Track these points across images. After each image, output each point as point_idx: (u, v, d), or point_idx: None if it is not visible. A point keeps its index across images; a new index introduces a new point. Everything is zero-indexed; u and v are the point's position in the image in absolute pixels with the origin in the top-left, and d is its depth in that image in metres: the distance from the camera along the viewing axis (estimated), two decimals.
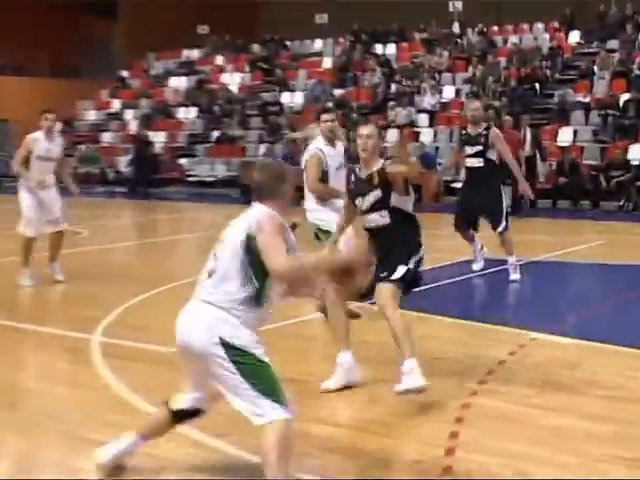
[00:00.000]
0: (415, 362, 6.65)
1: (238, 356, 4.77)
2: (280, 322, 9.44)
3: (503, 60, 29.17)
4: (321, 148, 8.88)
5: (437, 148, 26.11)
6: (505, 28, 32.33)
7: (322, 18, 35.21)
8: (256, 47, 36.01)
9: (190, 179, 29.82)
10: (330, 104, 28.78)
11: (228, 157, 29.36)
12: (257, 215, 4.96)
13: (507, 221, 11.64)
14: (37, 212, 11.44)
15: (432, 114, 27.93)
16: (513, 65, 28.49)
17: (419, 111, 28.02)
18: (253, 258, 4.83)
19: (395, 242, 6.94)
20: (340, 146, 9.09)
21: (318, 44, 35.17)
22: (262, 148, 28.26)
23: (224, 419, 6.18)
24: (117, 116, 35.36)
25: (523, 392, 6.82)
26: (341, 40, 34.32)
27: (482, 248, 12.25)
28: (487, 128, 11.66)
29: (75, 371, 6.32)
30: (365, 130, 7.05)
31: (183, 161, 30.70)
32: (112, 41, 42.18)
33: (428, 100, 28.36)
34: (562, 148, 23.95)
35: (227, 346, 4.77)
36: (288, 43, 36.08)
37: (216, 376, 4.87)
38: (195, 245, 16.49)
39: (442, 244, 14.17)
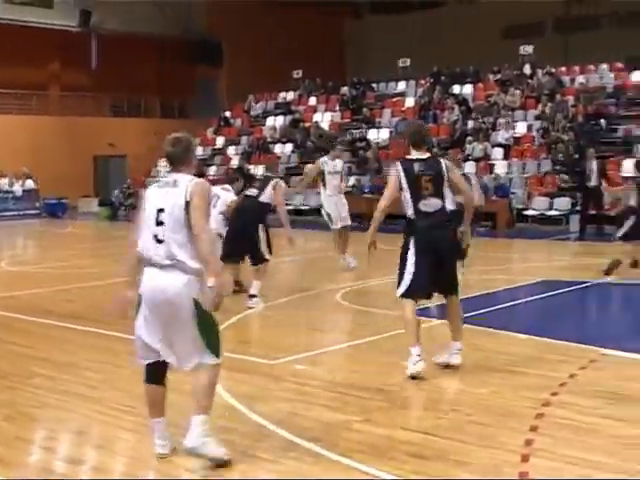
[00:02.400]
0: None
1: None
2: (368, 337, 9.44)
3: (571, 98, 28.76)
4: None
5: (511, 180, 25.88)
6: (572, 69, 31.88)
7: (405, 62, 35.32)
8: (345, 89, 36.11)
9: (286, 207, 29.93)
10: None
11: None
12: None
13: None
14: None
15: (506, 148, 27.70)
16: (580, 102, 28.08)
17: (494, 145, 27.81)
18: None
19: None
20: None
21: (401, 85, 35.15)
22: (352, 180, 28.25)
23: (319, 425, 6.21)
24: (221, 151, 35.82)
25: (594, 404, 6.65)
26: (422, 81, 34.26)
27: None
28: None
29: (183, 380, 6.33)
30: None
31: None
32: (216, 85, 42.85)
33: (502, 135, 28.15)
34: (626, 178, 23.44)
35: None
36: (374, 85, 36.12)
37: None
38: (290, 267, 16.55)
39: (516, 267, 13.99)
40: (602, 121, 26.89)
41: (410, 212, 7.44)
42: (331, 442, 5.79)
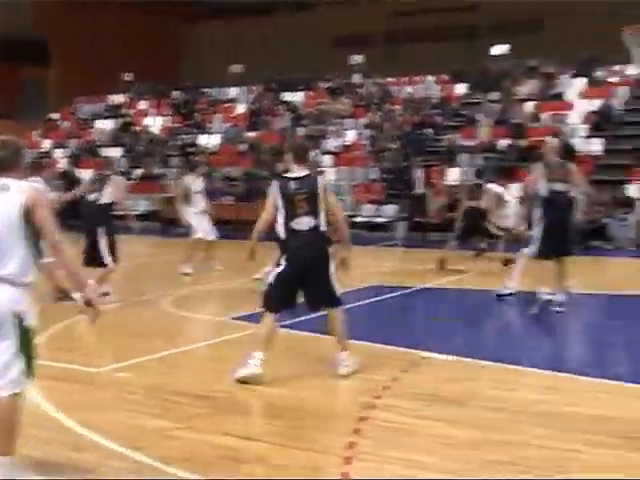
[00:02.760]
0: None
1: None
2: (195, 344, 9.42)
3: (399, 108, 29.56)
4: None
5: (340, 187, 26.28)
6: (400, 79, 32.80)
7: (237, 68, 35.35)
8: (177, 93, 35.85)
9: (115, 213, 29.39)
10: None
11: (150, 193, 29.10)
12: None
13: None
14: None
15: (336, 155, 28.16)
16: (407, 112, 28.88)
17: (324, 153, 28.20)
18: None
19: None
20: None
21: (233, 91, 35.19)
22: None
23: (142, 433, 6.13)
24: (47, 155, 34.80)
25: (415, 405, 6.85)
26: (254, 88, 34.43)
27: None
28: None
29: None
30: None
31: None
32: (44, 86, 41.65)
33: (332, 143, 28.59)
34: (450, 186, 24.31)
35: None
36: (206, 90, 36.01)
37: None
38: (120, 272, 16.23)
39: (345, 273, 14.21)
40: (428, 131, 27.77)
41: (283, 230, 7.62)
42: (153, 450, 5.72)
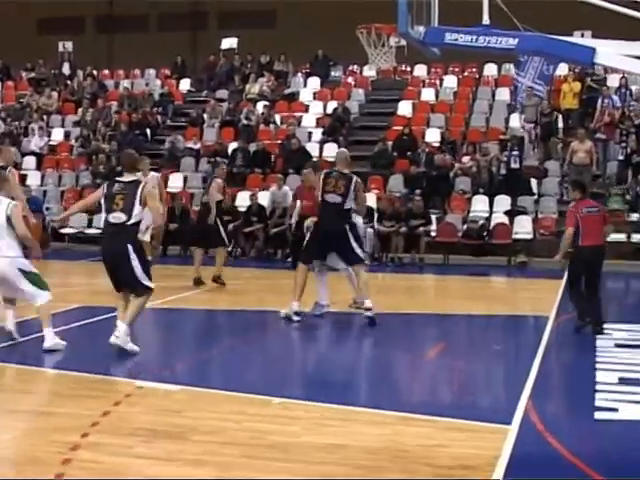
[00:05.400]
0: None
1: None
2: None
3: (114, 104, 29.22)
4: None
5: (45, 192, 25.60)
6: (117, 72, 32.51)
7: None
8: None
9: None
10: None
11: None
12: None
13: None
14: None
15: (40, 157, 27.39)
16: (124, 109, 28.63)
17: (25, 154, 27.33)
18: None
19: None
20: None
21: None
22: None
23: None
24: None
25: (127, 442, 6.76)
26: None
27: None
28: None
29: None
30: None
31: None
32: None
33: (36, 142, 27.77)
34: (172, 194, 24.21)
35: None
36: None
37: None
38: None
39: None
40: (147, 131, 27.64)
41: (103, 221, 10.30)
42: None
